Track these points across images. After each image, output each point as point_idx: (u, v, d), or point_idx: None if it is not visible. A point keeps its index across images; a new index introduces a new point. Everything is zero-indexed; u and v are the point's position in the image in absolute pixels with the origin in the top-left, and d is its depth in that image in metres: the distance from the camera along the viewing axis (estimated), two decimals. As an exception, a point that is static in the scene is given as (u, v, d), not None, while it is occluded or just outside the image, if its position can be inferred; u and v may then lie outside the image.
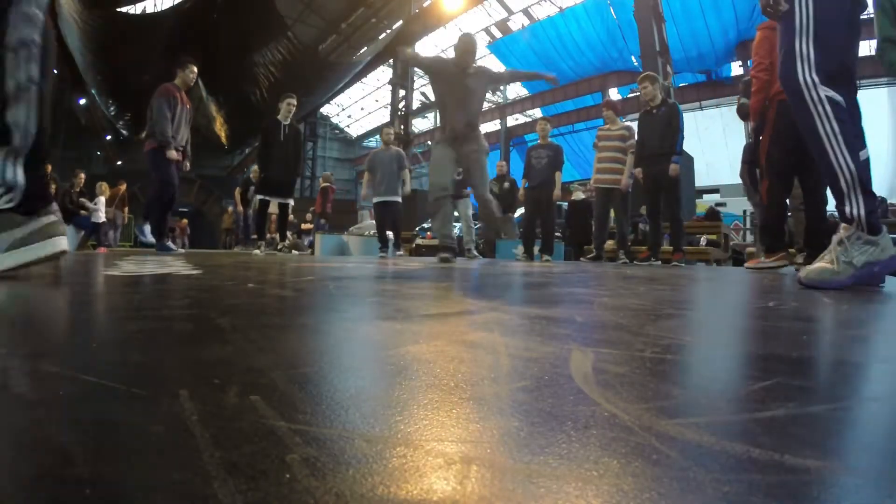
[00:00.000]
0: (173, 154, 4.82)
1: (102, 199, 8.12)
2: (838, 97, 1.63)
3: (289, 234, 7.57)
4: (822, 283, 1.61)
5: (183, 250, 6.05)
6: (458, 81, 3.84)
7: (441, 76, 3.94)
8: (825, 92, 1.63)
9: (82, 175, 8.15)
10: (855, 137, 1.64)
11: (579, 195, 8.06)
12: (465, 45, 3.86)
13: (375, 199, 6.14)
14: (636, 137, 5.27)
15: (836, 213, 1.80)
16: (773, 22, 3.69)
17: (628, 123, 5.90)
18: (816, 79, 1.63)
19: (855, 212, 1.62)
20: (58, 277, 1.64)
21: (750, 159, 4.55)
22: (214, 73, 16.58)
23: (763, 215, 3.71)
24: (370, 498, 0.25)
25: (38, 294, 1.32)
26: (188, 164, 5.20)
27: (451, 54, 4.00)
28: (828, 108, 1.62)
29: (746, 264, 3.81)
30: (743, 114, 4.35)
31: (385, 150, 6.20)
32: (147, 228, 4.97)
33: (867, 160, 1.68)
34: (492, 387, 0.45)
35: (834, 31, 1.69)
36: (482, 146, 3.96)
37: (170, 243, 5.04)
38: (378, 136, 21.35)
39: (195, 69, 5.07)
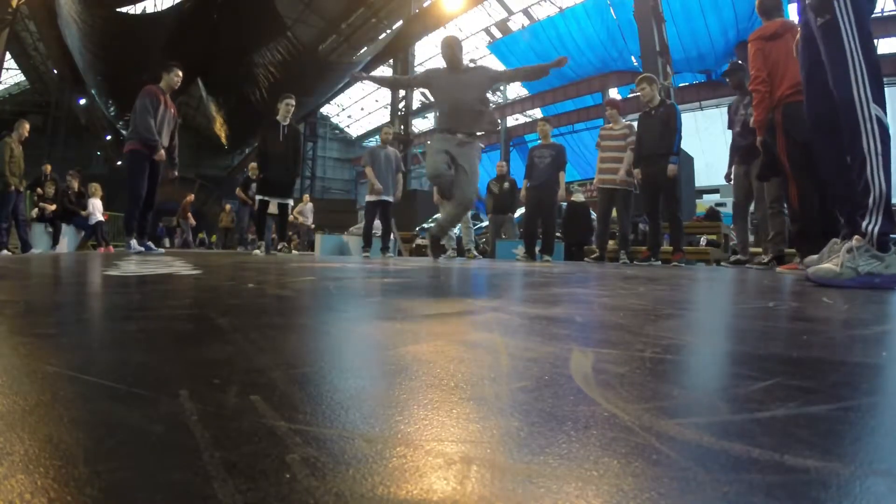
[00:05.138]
0: (161, 155, 4.73)
1: (95, 201, 8.09)
2: (885, 118, 1.75)
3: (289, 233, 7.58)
4: (826, 281, 1.80)
5: (163, 250, 6.03)
6: (453, 80, 3.82)
7: (437, 81, 3.94)
8: (876, 111, 1.74)
9: (75, 183, 8.10)
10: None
11: (579, 197, 8.05)
12: (448, 43, 3.90)
13: (370, 198, 6.12)
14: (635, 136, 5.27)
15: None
16: (765, 31, 3.69)
17: (630, 122, 5.89)
18: (870, 94, 1.75)
19: (871, 228, 1.76)
20: (58, 277, 1.64)
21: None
22: (214, 73, 16.59)
23: (797, 220, 3.53)
24: (370, 498, 0.25)
25: (38, 293, 1.32)
26: (176, 172, 5.13)
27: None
28: (875, 126, 1.74)
29: (779, 269, 3.73)
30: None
31: (383, 148, 6.20)
32: (134, 242, 4.86)
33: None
34: (492, 387, 0.45)
35: (871, 36, 1.80)
36: (476, 148, 3.94)
37: (150, 243, 4.99)
38: (378, 137, 21.39)
39: (180, 73, 4.99)
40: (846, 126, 1.79)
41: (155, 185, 4.94)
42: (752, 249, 4.95)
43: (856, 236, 1.79)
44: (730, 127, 4.70)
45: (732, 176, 4.66)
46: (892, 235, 1.78)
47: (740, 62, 4.83)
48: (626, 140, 5.32)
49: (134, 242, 4.84)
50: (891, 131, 1.77)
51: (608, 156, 5.40)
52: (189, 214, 12.86)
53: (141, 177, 4.76)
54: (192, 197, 13.42)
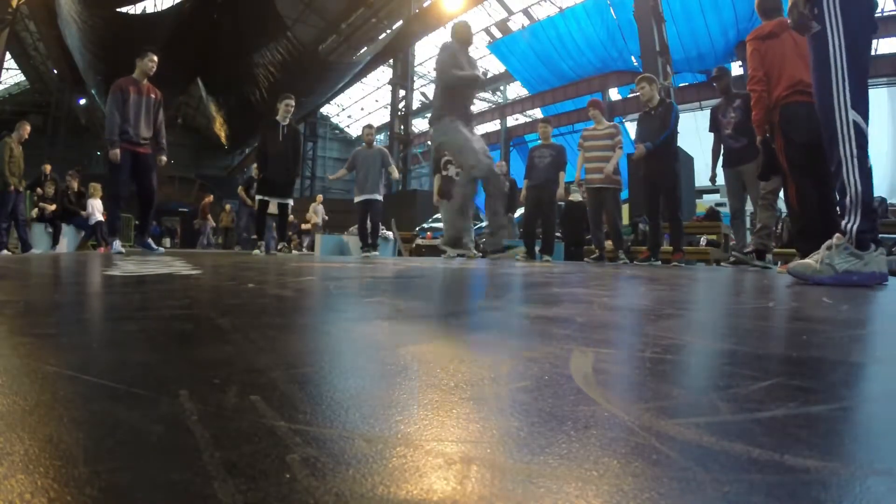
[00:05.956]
0: (115, 155, 4.65)
1: (95, 202, 8.09)
2: (863, 124, 1.80)
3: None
4: (803, 276, 1.85)
5: (163, 250, 5.99)
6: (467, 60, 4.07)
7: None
8: (853, 116, 1.80)
9: (75, 183, 8.09)
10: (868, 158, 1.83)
11: (576, 196, 8.05)
12: (463, 29, 4.39)
13: (359, 198, 6.20)
14: (622, 135, 5.32)
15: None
16: (762, 31, 3.70)
17: (615, 122, 5.90)
18: (849, 100, 1.80)
19: (850, 226, 1.81)
20: (58, 277, 1.64)
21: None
22: (214, 73, 16.60)
23: (797, 220, 3.48)
24: (370, 498, 0.25)
25: (38, 293, 1.32)
26: (164, 159, 5.05)
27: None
28: (852, 131, 1.80)
29: (779, 269, 3.72)
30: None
31: (367, 149, 6.27)
32: (117, 243, 4.81)
33: (868, 170, 1.85)
34: (492, 387, 0.45)
35: (862, 45, 1.85)
36: None
37: (150, 241, 4.94)
38: (382, 136, 21.41)
39: (155, 58, 4.92)
40: (826, 130, 1.86)
41: (147, 182, 4.84)
42: None
43: (836, 234, 1.85)
44: (711, 130, 4.74)
45: (725, 181, 4.68)
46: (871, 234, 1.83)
47: (725, 67, 4.92)
48: (614, 139, 5.33)
49: (117, 244, 4.79)
50: (891, 130, 1.79)
51: (593, 156, 5.40)
52: (209, 216, 12.91)
53: (119, 175, 4.70)
54: (210, 198, 13.46)
